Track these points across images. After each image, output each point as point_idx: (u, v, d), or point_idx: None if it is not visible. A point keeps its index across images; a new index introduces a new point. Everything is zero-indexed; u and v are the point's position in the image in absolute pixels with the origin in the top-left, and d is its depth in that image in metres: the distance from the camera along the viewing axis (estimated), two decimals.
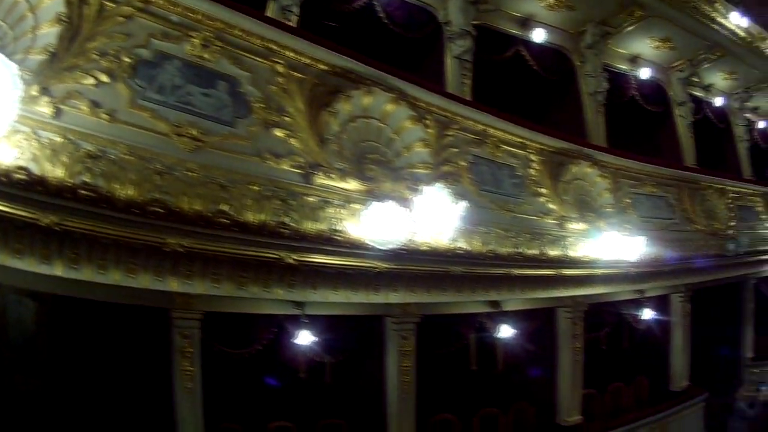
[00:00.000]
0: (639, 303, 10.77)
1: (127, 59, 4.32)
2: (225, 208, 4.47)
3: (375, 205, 4.95)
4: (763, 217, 13.25)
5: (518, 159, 7.57)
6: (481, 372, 10.07)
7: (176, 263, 4.77)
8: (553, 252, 7.53)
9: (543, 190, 7.66)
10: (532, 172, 7.64)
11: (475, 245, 6.40)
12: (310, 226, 4.95)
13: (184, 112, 4.53)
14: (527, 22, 10.65)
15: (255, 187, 4.68)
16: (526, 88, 11.35)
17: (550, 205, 7.71)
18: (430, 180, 5.79)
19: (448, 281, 6.90)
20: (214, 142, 4.59)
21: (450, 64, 9.28)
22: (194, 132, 4.49)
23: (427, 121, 6.26)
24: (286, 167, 4.93)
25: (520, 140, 7.65)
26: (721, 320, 13.83)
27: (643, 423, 10.23)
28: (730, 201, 11.86)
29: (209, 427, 6.42)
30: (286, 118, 5.15)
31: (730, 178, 12.50)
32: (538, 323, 9.38)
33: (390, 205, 4.95)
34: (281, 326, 6.96)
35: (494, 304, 8.27)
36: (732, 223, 11.58)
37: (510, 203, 7.12)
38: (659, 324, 11.36)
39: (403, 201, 5.19)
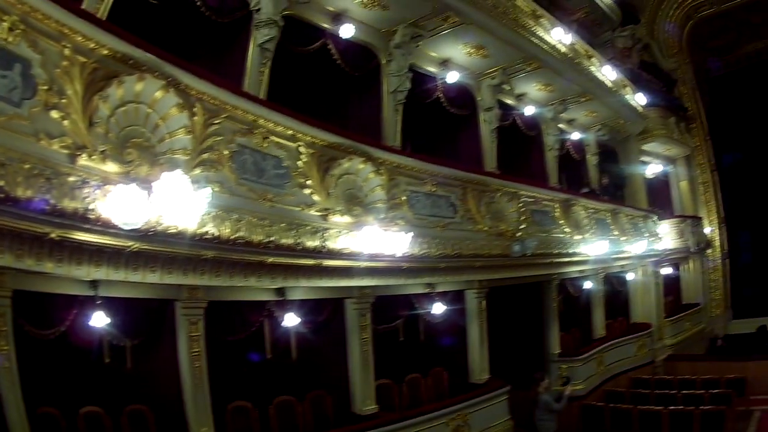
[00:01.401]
0: (432, 297, 12.12)
1: None
2: (1, 183, 5.09)
3: (121, 187, 5.81)
4: (561, 222, 15.26)
5: (287, 151, 8.41)
6: (277, 360, 11.15)
7: None
8: (311, 243, 8.40)
9: (309, 182, 8.59)
10: (299, 164, 8.51)
11: (224, 231, 7.17)
12: (68, 204, 5.62)
13: None
14: (339, 17, 11.73)
15: (27, 165, 5.30)
16: (329, 82, 12.49)
17: (315, 197, 8.62)
18: (188, 166, 6.63)
19: (230, 267, 7.81)
20: (2, 121, 5.18)
21: (252, 52, 10.14)
22: None
23: (195, 109, 7.01)
24: (56, 147, 5.61)
25: (292, 132, 8.54)
26: (528, 317, 15.91)
27: (443, 413, 11.45)
28: (522, 205, 13.53)
29: (30, 410, 6.88)
30: (64, 101, 5.72)
31: (521, 183, 14.24)
32: (329, 313, 10.49)
33: (135, 188, 5.81)
34: (80, 307, 7.52)
35: (280, 291, 9.22)
36: (522, 226, 13.17)
37: (270, 193, 7.95)
38: (456, 318, 12.91)
39: (153, 184, 5.99)
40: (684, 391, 16.28)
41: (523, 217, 13.58)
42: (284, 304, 9.55)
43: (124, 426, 8.32)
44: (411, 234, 9.81)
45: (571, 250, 15.66)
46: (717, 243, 29.24)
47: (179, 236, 6.60)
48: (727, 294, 29.16)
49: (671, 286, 26.14)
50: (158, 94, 6.44)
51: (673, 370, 20.33)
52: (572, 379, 14.90)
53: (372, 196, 9.61)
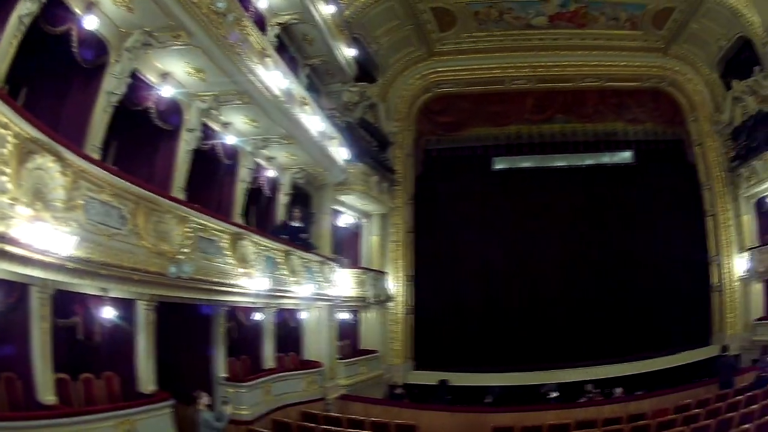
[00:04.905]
0: (105, 301, 13.72)
1: None
2: None
3: None
4: (227, 252, 17.50)
5: None
6: None
7: None
8: None
9: (8, 171, 9.23)
10: (4, 151, 9.17)
11: None
12: None
13: None
14: (91, 6, 13.20)
15: None
16: (64, 68, 13.76)
17: (9, 186, 9.26)
18: None
19: None
20: None
21: (12, 24, 11.17)
22: None
23: None
24: None
25: (7, 121, 9.22)
26: (200, 338, 18.15)
27: (112, 415, 12.60)
28: (190, 230, 15.24)
29: None
30: None
31: (191, 209, 16.02)
32: (18, 297, 11.43)
33: None
34: None
35: None
36: (185, 250, 14.80)
37: None
38: (129, 326, 14.48)
39: None
40: (351, 430, 18.84)
41: (188, 242, 15.07)
42: None
43: None
44: (77, 237, 10.85)
45: (232, 281, 17.53)
46: (401, 298, 34.37)
47: None
48: (408, 346, 34.24)
49: (349, 330, 30.60)
50: None
51: (346, 410, 23.37)
52: (231, 402, 16.90)
53: (54, 194, 10.43)
